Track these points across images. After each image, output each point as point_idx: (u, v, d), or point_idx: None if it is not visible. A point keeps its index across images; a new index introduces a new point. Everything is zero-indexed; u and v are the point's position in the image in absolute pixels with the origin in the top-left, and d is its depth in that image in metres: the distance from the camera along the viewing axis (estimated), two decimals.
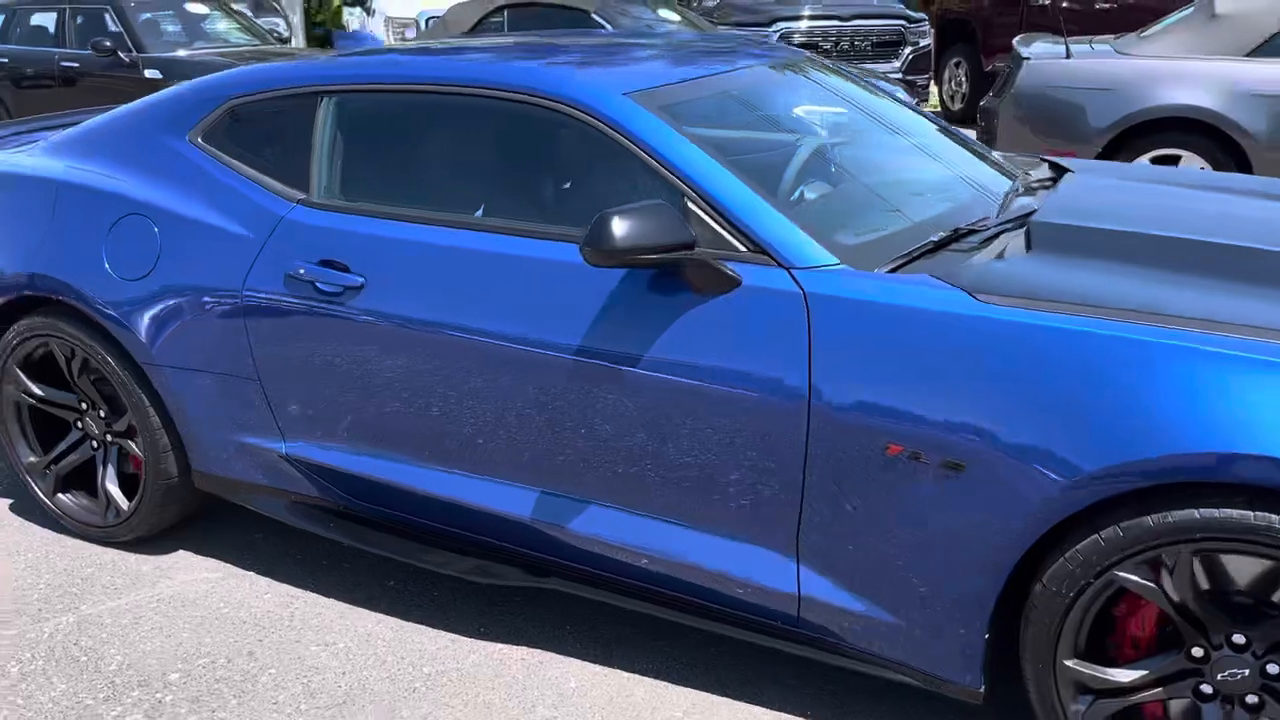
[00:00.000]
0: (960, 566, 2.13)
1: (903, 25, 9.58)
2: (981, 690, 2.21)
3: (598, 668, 2.67)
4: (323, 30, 15.49)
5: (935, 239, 2.43)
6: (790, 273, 2.26)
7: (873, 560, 2.23)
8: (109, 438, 3.24)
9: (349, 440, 2.82)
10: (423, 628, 2.85)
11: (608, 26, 7.67)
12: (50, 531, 3.39)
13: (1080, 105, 6.20)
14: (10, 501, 3.61)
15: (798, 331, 2.20)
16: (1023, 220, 2.61)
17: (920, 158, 2.94)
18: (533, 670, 2.67)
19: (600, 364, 2.40)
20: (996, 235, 2.55)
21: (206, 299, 2.89)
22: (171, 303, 2.93)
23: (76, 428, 3.31)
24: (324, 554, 3.22)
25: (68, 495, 3.36)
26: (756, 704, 2.52)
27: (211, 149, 3.01)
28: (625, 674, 2.64)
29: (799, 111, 2.92)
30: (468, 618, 2.88)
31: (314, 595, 3.02)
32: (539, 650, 2.74)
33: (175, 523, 3.28)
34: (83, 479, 3.35)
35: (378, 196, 2.78)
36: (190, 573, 3.15)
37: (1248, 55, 5.92)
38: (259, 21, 10.34)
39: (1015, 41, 6.97)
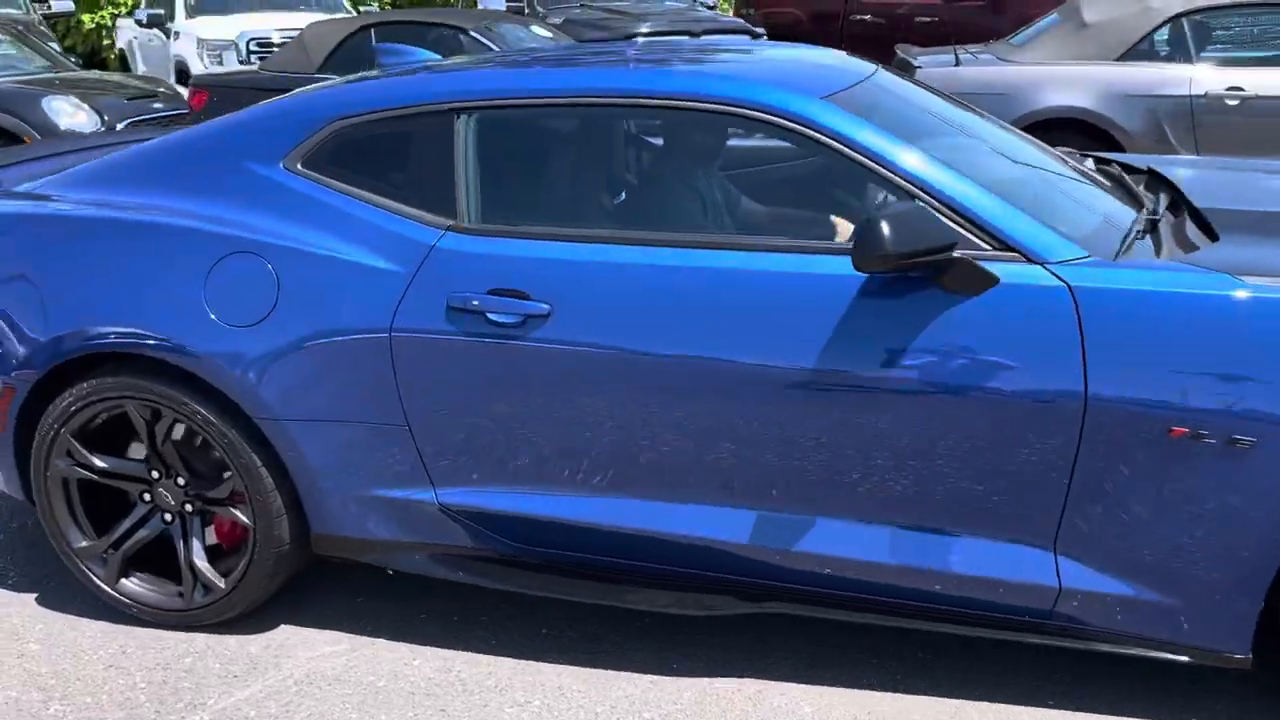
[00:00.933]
0: (1241, 540, 2.22)
1: (748, 40, 9.87)
2: (1250, 659, 2.31)
3: (824, 689, 2.59)
4: (76, 54, 14.21)
5: (1138, 229, 2.53)
6: (1046, 268, 2.28)
7: (1145, 543, 2.28)
8: (188, 508, 2.85)
9: (522, 481, 2.61)
10: (611, 673, 2.68)
11: (493, 46, 7.48)
12: (105, 622, 2.95)
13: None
14: (36, 594, 3.11)
15: (1068, 326, 2.23)
16: (1160, 212, 2.76)
17: (1036, 156, 3.04)
18: (757, 701, 2.56)
19: (843, 375, 2.34)
20: (1155, 225, 2.68)
21: (343, 341, 2.60)
22: (297, 349, 2.62)
23: (143, 501, 2.89)
24: (449, 609, 2.96)
25: (133, 579, 2.93)
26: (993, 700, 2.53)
27: (318, 176, 2.72)
28: (856, 691, 2.58)
29: (935, 113, 2.95)
30: (652, 656, 2.73)
31: (470, 654, 2.78)
32: (752, 680, 2.64)
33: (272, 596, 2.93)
34: (144, 559, 2.94)
35: (549, 218, 2.60)
36: (311, 648, 2.83)
37: (1117, 60, 6.49)
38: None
39: (898, 50, 7.33)
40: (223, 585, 2.84)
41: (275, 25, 10.93)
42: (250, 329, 2.64)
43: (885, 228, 2.17)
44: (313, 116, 2.76)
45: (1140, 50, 6.49)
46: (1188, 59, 6.36)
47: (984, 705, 2.52)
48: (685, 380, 2.43)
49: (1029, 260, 2.30)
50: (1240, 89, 6.19)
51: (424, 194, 2.66)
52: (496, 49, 7.38)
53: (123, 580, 2.92)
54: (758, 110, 2.47)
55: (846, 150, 2.42)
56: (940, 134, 2.70)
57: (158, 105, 7.85)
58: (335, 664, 2.76)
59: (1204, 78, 6.26)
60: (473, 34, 7.57)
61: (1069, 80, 6.49)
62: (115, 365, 2.76)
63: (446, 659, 2.77)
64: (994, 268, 2.29)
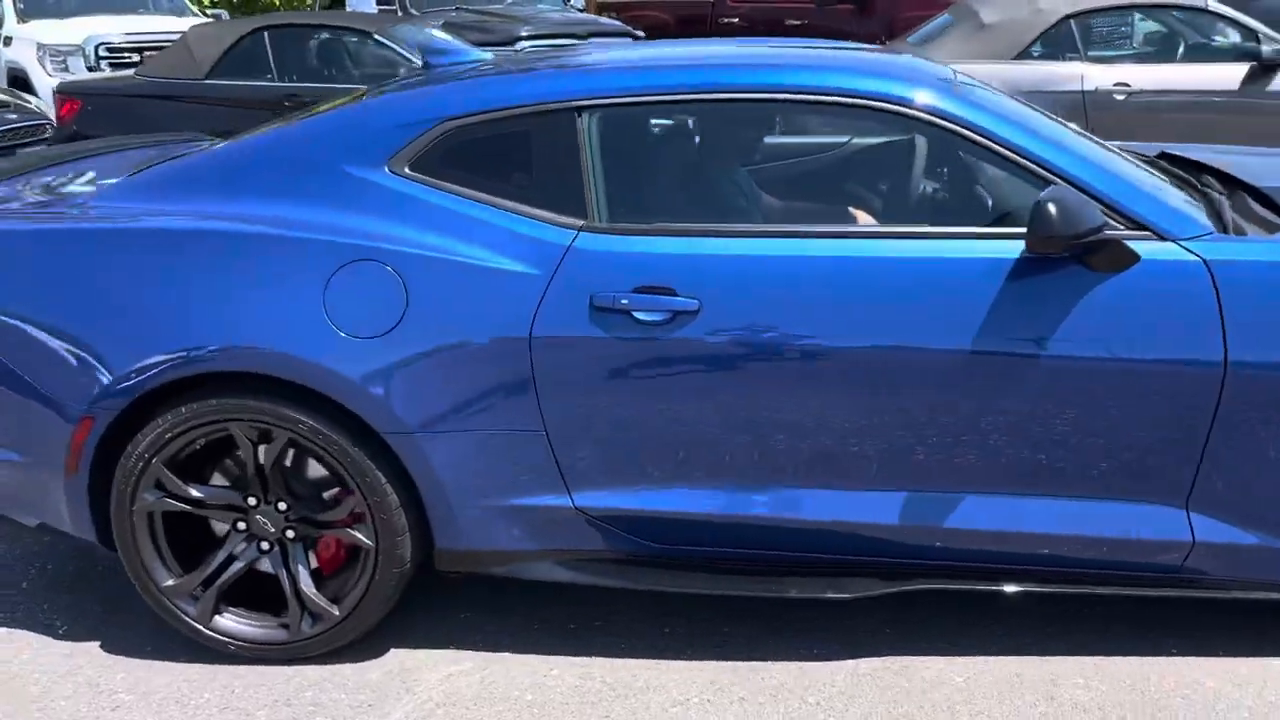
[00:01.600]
0: None
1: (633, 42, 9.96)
2: None
3: (969, 659, 2.69)
4: None
5: (1226, 205, 2.74)
6: (1179, 244, 2.45)
7: (1275, 497, 2.48)
8: (289, 534, 2.70)
9: (665, 479, 2.60)
10: (755, 664, 2.70)
11: (397, 47, 7.28)
12: (193, 664, 2.75)
13: None
14: (99, 641, 2.86)
15: (1206, 297, 2.40)
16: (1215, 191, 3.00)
17: (1101, 144, 3.21)
18: (907, 674, 2.63)
19: (998, 355, 2.44)
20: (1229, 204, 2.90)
21: (478, 347, 2.53)
22: (428, 358, 2.53)
23: (236, 530, 2.72)
24: (559, 618, 2.91)
25: (228, 615, 2.75)
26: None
27: (429, 179, 2.63)
28: (1004, 658, 2.69)
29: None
30: (786, 645, 2.76)
31: (604, 659, 2.74)
32: (894, 657, 2.70)
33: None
34: (230, 592, 2.76)
35: (684, 213, 2.59)
36: (436, 670, 2.72)
37: (1013, 59, 6.91)
38: None
39: None
40: (336, 612, 2.69)
41: (122, 29, 10.27)
42: (378, 340, 2.52)
43: (1057, 210, 2.29)
44: (418, 119, 2.66)
45: (1033, 51, 6.94)
46: (1078, 57, 6.85)
47: (1129, 660, 2.67)
48: (837, 368, 2.48)
49: (1160, 238, 2.47)
50: (1126, 84, 6.72)
51: (548, 194, 2.61)
52: (403, 54, 7.19)
53: (217, 617, 2.74)
54: (894, 104, 2.54)
55: (985, 141, 2.52)
56: (1039, 122, 2.85)
57: (11, 116, 7.28)
58: (469, 682, 2.67)
59: (1093, 74, 6.75)
60: (376, 36, 7.34)
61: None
62: (214, 386, 2.58)
63: (583, 666, 2.72)
64: (1132, 246, 2.45)
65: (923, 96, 2.55)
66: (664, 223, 2.58)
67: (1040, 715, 2.49)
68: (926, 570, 2.63)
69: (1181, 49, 7.21)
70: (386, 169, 2.64)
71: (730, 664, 2.71)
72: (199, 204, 2.70)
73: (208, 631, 2.73)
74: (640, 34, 10.19)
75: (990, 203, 2.68)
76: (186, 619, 2.73)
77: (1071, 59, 6.86)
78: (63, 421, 2.61)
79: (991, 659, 2.68)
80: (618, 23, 10.30)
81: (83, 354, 2.59)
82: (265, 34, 7.40)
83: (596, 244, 2.55)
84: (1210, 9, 6.90)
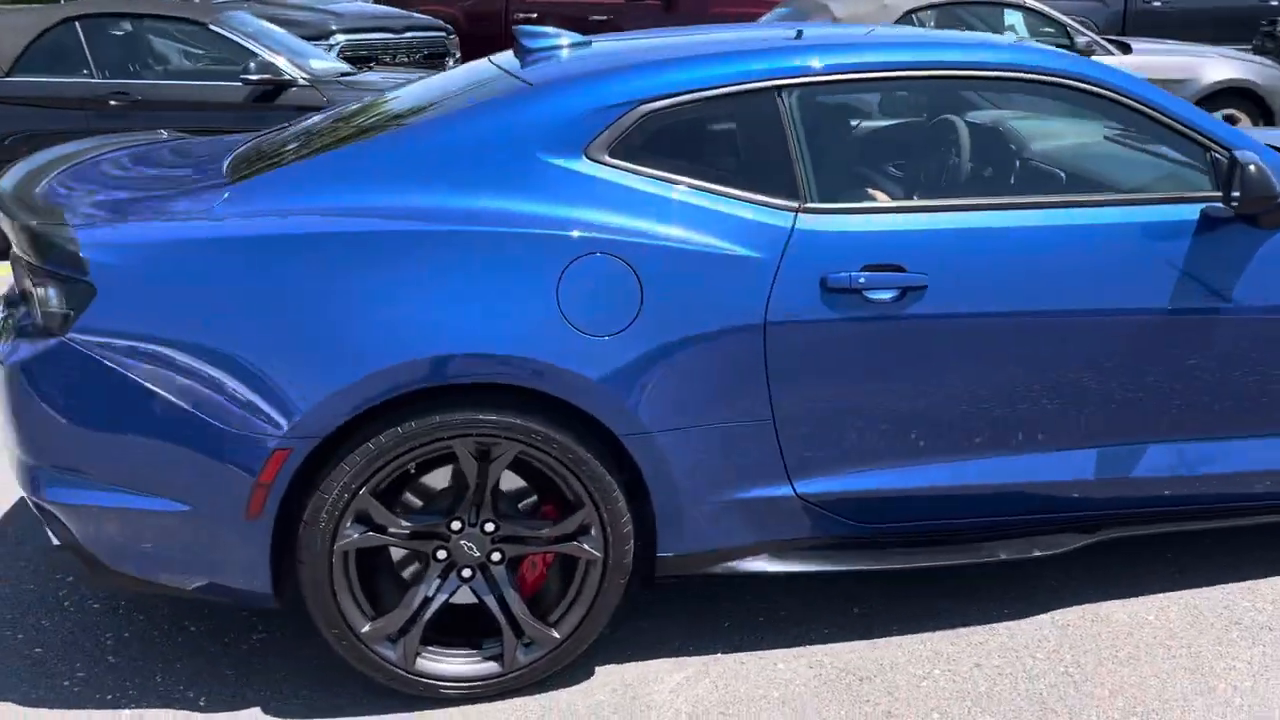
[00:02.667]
0: None
1: (444, 36, 9.66)
2: None
3: (1153, 597, 2.87)
4: None
5: None
6: None
7: None
8: (494, 556, 2.47)
9: (887, 457, 2.60)
10: (966, 630, 2.75)
11: (233, 38, 6.65)
12: (371, 715, 2.46)
13: None
14: (254, 711, 2.49)
15: None
16: None
17: None
18: (1107, 621, 2.77)
19: (1193, 313, 2.63)
20: None
21: (715, 337, 2.42)
22: (666, 353, 2.39)
23: (436, 559, 2.45)
24: (739, 612, 2.83)
25: (428, 656, 2.47)
26: None
27: (632, 165, 2.48)
28: (1170, 595, 2.89)
29: None
30: (983, 610, 2.84)
31: (820, 646, 2.70)
32: (1087, 605, 2.83)
33: None
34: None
35: (898, 190, 2.59)
36: (661, 680, 2.57)
37: None
38: None
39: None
40: (556, 635, 2.49)
41: None
42: (616, 337, 2.36)
43: (1259, 173, 2.50)
44: (613, 104, 2.50)
45: None
46: None
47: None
48: (1061, 334, 2.58)
49: None
50: None
51: (757, 176, 2.54)
52: (239, 41, 6.62)
53: (419, 660, 2.46)
54: (1080, 81, 2.67)
55: (1153, 112, 2.70)
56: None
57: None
58: (705, 689, 2.55)
59: None
60: (212, 27, 6.72)
61: None
62: (427, 402, 2.32)
63: (803, 655, 2.67)
64: None
65: (1101, 72, 2.70)
66: (879, 200, 2.58)
67: (1234, 640, 2.71)
68: (1116, 520, 2.79)
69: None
70: (585, 156, 2.47)
71: (944, 634, 2.74)
72: (381, 200, 2.40)
73: (411, 677, 2.45)
74: (446, 32, 9.91)
75: (1155, 169, 2.87)
76: (388, 665, 2.43)
77: None
78: (250, 457, 2.26)
79: (1171, 595, 2.88)
80: (429, 17, 9.96)
81: (276, 377, 2.25)
82: (77, 24, 6.58)
83: (818, 224, 2.51)
84: (1029, 5, 7.62)
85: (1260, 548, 3.07)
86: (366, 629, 2.41)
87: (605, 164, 2.47)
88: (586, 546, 2.46)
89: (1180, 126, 2.71)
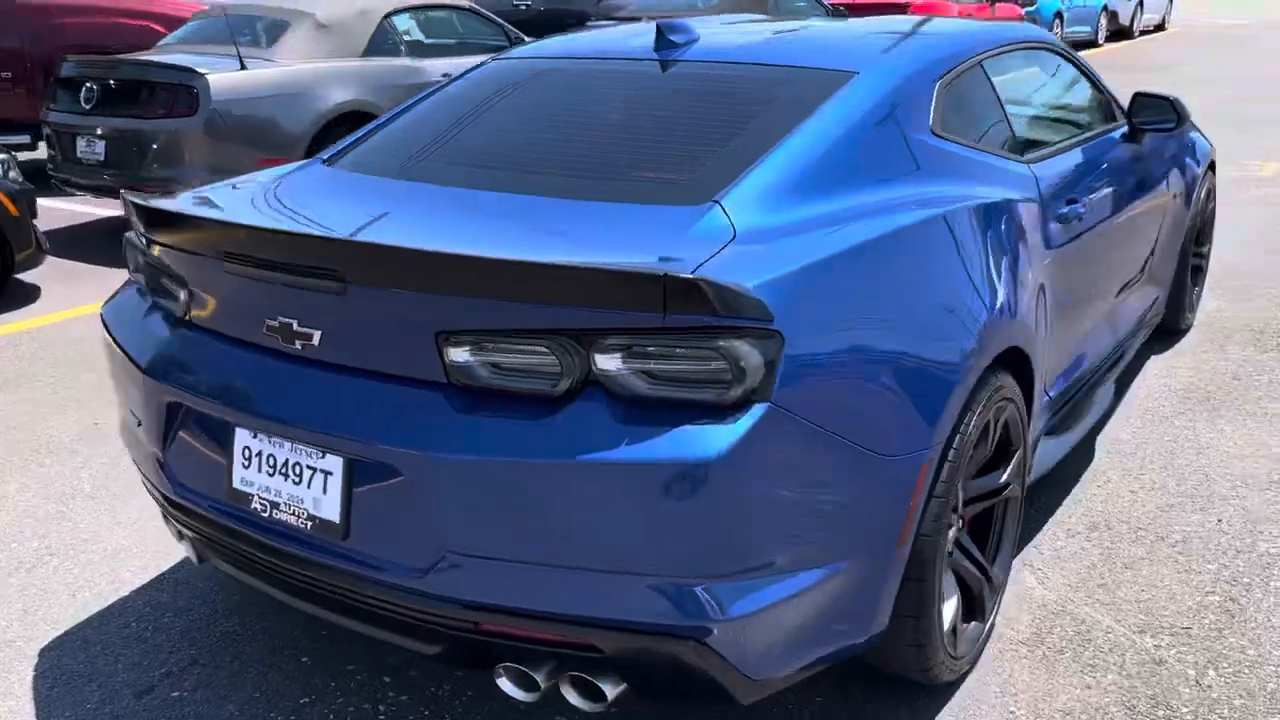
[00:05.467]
0: None
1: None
2: None
3: None
4: None
5: None
6: None
7: None
8: (960, 522, 2.50)
9: None
10: (1126, 604, 2.83)
11: None
12: None
13: (273, 114, 6.51)
14: None
15: None
16: None
17: None
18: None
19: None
20: None
21: None
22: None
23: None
24: None
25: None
26: None
27: (953, 137, 2.66)
28: None
29: None
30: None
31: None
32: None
33: None
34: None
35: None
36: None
37: (362, 56, 7.11)
38: None
39: (176, 63, 6.47)
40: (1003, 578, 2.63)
41: None
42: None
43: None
44: (927, 79, 2.68)
45: (374, 47, 7.21)
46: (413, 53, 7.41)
47: None
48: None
49: None
50: (449, 74, 7.51)
51: (1003, 135, 2.93)
52: None
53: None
54: (1058, 50, 3.51)
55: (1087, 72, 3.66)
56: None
57: None
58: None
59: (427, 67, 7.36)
60: None
61: (339, 76, 6.86)
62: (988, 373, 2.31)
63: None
64: None
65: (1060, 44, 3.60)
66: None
67: None
68: None
69: None
70: (931, 133, 2.58)
71: (1104, 607, 3.20)
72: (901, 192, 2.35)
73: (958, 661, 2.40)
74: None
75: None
76: (952, 658, 2.36)
77: (408, 55, 7.37)
78: (904, 478, 2.03)
79: None
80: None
81: (917, 379, 2.05)
82: None
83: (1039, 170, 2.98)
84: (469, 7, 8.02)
85: None
86: (948, 629, 2.31)
87: (944, 138, 2.61)
88: (1016, 487, 2.64)
89: (1095, 79, 3.73)
